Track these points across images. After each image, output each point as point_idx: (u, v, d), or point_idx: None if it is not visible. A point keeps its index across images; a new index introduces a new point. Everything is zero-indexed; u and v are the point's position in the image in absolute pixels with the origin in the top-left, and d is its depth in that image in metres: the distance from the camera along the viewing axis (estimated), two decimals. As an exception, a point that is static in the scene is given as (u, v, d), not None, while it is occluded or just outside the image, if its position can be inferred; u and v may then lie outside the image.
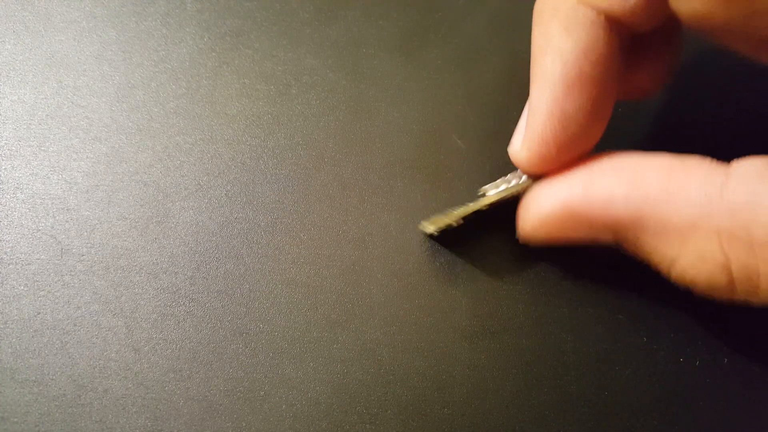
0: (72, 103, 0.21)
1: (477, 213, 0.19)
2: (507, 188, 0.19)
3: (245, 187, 0.20)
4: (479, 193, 0.19)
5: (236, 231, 0.20)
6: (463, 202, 0.20)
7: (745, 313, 0.19)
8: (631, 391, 0.18)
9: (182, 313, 0.18)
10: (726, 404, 0.18)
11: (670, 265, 0.15)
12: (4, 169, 0.20)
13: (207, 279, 0.19)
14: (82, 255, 0.19)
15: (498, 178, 0.19)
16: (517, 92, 0.22)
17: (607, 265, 0.19)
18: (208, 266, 0.19)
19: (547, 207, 0.17)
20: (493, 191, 0.19)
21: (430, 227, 0.19)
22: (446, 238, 0.20)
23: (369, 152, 0.21)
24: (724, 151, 0.16)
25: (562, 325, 0.19)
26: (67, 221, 0.19)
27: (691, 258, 0.15)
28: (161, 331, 0.18)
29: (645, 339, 0.19)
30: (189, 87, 0.22)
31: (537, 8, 0.17)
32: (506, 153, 0.19)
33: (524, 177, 0.19)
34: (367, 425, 0.17)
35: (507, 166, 0.19)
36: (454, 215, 0.19)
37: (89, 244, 0.19)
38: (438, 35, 0.23)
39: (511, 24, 0.23)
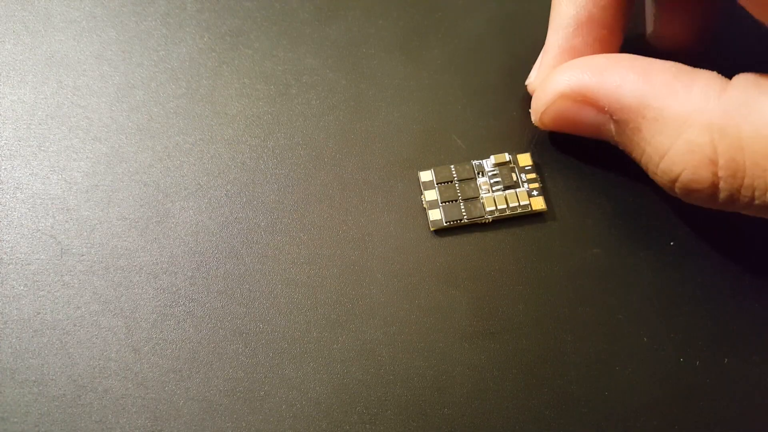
0: (72, 103, 0.21)
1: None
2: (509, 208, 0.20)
3: (245, 187, 0.20)
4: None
5: (236, 231, 0.20)
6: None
7: (746, 313, 0.19)
8: (631, 391, 0.18)
9: (182, 313, 0.18)
10: (726, 404, 0.18)
11: (661, 157, 0.17)
12: (4, 169, 0.20)
13: (207, 279, 0.19)
14: (82, 255, 0.19)
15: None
16: (517, 92, 0.22)
17: (607, 265, 0.19)
18: (208, 266, 0.19)
19: (562, 84, 0.18)
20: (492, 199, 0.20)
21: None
22: (452, 229, 0.20)
23: (369, 152, 0.21)
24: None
25: (562, 325, 0.19)
26: (67, 221, 0.19)
27: (681, 150, 0.16)
28: (161, 331, 0.18)
29: (645, 339, 0.19)
30: (189, 87, 0.22)
31: None
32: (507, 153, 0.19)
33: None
34: (367, 425, 0.17)
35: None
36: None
37: (89, 244, 0.19)
38: (438, 35, 0.23)
39: (511, 24, 0.23)
